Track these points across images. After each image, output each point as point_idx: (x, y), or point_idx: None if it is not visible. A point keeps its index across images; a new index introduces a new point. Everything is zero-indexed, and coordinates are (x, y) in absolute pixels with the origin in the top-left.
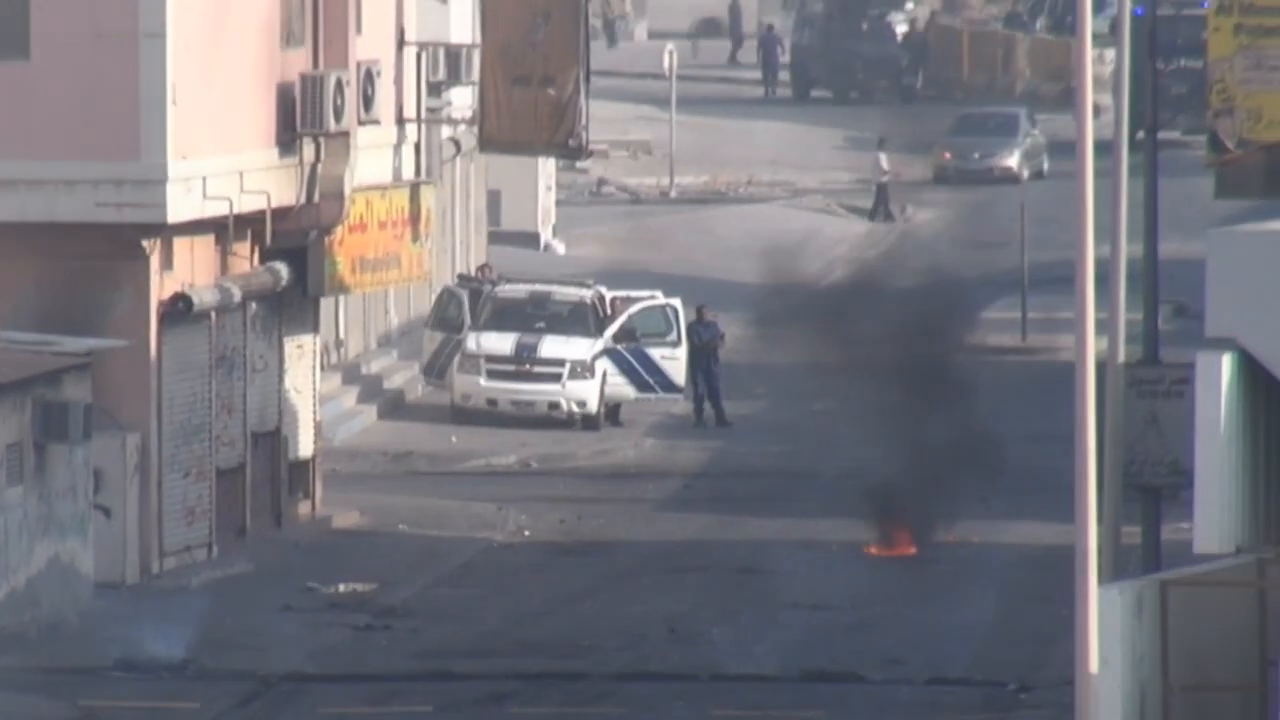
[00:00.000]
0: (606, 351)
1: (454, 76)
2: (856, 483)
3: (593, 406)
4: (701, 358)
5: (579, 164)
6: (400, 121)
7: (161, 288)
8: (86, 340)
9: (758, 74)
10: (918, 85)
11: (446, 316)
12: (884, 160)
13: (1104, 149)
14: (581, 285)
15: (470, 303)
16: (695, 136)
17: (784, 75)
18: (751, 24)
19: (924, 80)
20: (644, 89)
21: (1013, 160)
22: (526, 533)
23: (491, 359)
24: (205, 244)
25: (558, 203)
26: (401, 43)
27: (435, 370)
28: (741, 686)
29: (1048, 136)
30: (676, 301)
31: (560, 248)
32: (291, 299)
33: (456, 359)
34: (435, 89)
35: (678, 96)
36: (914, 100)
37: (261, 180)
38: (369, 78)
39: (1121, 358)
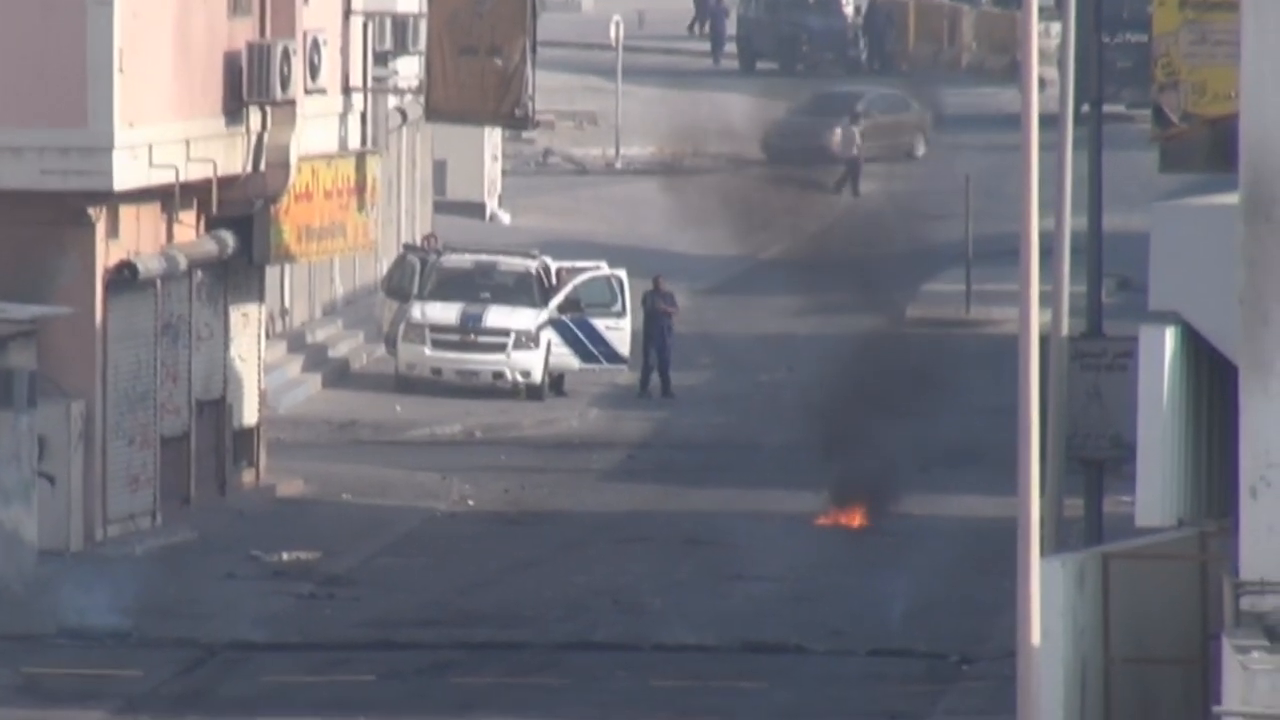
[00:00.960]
0: (551, 322)
1: (400, 46)
2: (804, 454)
3: (537, 377)
4: (655, 328)
5: (525, 134)
6: (346, 91)
7: (107, 255)
8: (31, 308)
9: (705, 45)
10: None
11: (401, 285)
12: (857, 134)
13: (1049, 122)
14: (527, 255)
15: (420, 272)
16: (641, 107)
17: (730, 47)
18: None
19: (868, 53)
20: (591, 59)
21: (835, 140)
22: (470, 502)
23: (436, 329)
24: (151, 212)
25: (503, 173)
26: (348, 12)
27: (394, 340)
28: (684, 657)
29: (936, 113)
30: (621, 272)
31: (506, 218)
32: (237, 267)
33: (401, 328)
34: (382, 58)
35: (624, 67)
36: (860, 73)
37: (208, 149)
38: (315, 47)
39: (1065, 331)
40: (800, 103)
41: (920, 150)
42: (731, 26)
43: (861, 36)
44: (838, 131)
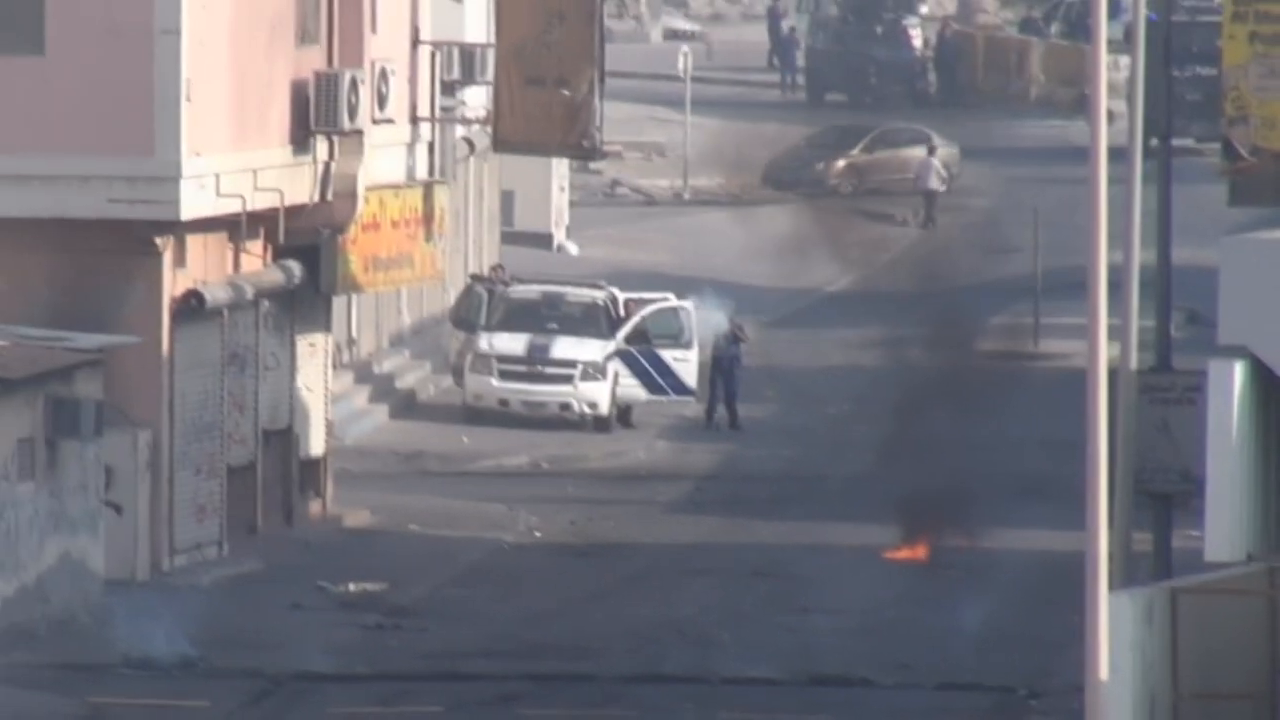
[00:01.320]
0: (618, 353)
1: (468, 76)
2: (875, 487)
3: (604, 408)
4: (724, 359)
5: (592, 165)
6: (414, 121)
7: (174, 284)
8: (99, 337)
9: (774, 77)
10: (932, 90)
11: (468, 316)
12: (939, 166)
13: (1118, 156)
14: (594, 286)
15: (488, 303)
16: (709, 139)
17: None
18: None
19: (938, 86)
20: (659, 90)
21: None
22: (537, 534)
23: (504, 359)
24: (218, 241)
25: (571, 204)
26: (416, 42)
27: (461, 370)
28: (750, 690)
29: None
30: (689, 303)
31: (573, 249)
32: (304, 297)
33: (469, 359)
34: (449, 88)
35: (692, 98)
36: (928, 105)
37: (275, 178)
38: (383, 76)
39: (1134, 364)
40: (811, 135)
41: (935, 184)
42: (800, 58)
43: (931, 70)
44: (916, 162)
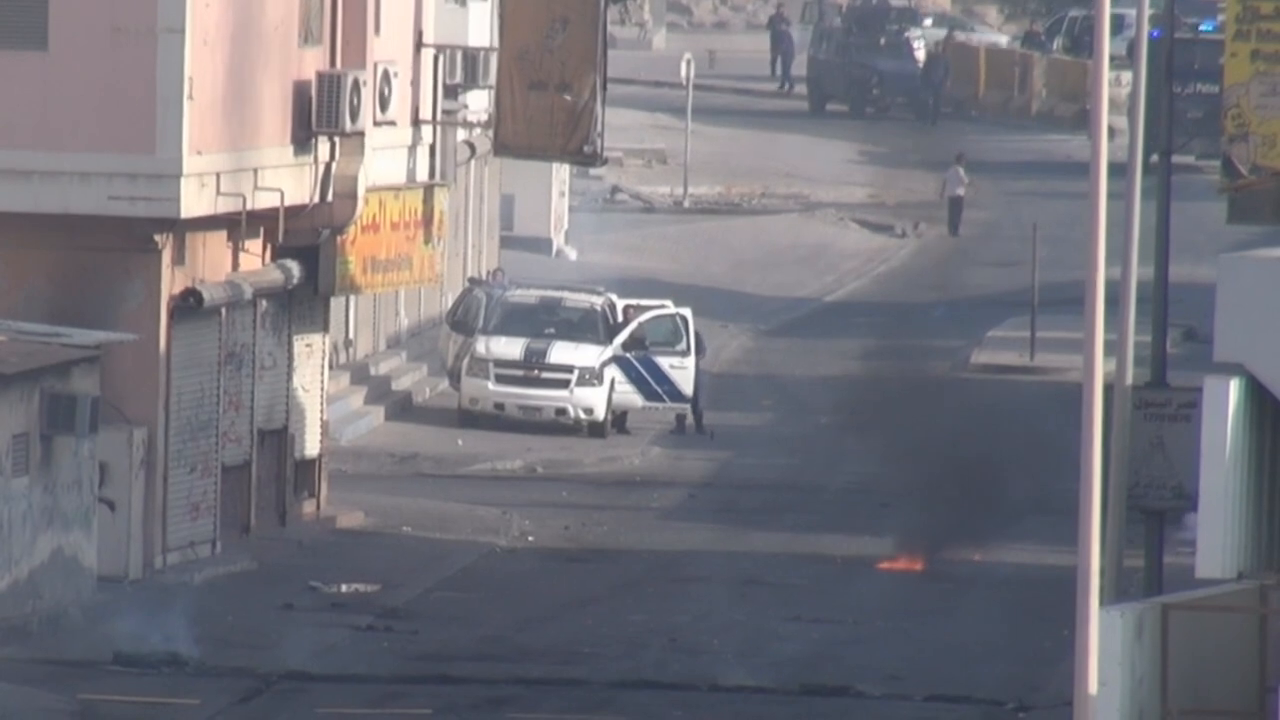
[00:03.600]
0: (615, 359)
1: (471, 80)
2: (866, 496)
3: (600, 413)
4: None
5: (593, 171)
6: (416, 123)
7: (173, 282)
8: (96, 333)
9: (775, 85)
10: (933, 104)
11: (466, 319)
12: (963, 174)
13: (1118, 171)
14: (592, 292)
15: (486, 306)
16: (710, 146)
17: (799, 85)
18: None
19: (939, 98)
20: (661, 97)
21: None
22: (530, 538)
23: (500, 363)
24: (217, 240)
25: (571, 209)
26: (419, 44)
27: (458, 373)
28: (740, 698)
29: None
30: (687, 311)
31: (572, 254)
32: (302, 297)
33: (465, 362)
34: (452, 91)
35: (694, 105)
36: (930, 117)
37: (275, 178)
38: (386, 78)
39: (1129, 380)
40: None
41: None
42: (802, 68)
43: (922, 89)
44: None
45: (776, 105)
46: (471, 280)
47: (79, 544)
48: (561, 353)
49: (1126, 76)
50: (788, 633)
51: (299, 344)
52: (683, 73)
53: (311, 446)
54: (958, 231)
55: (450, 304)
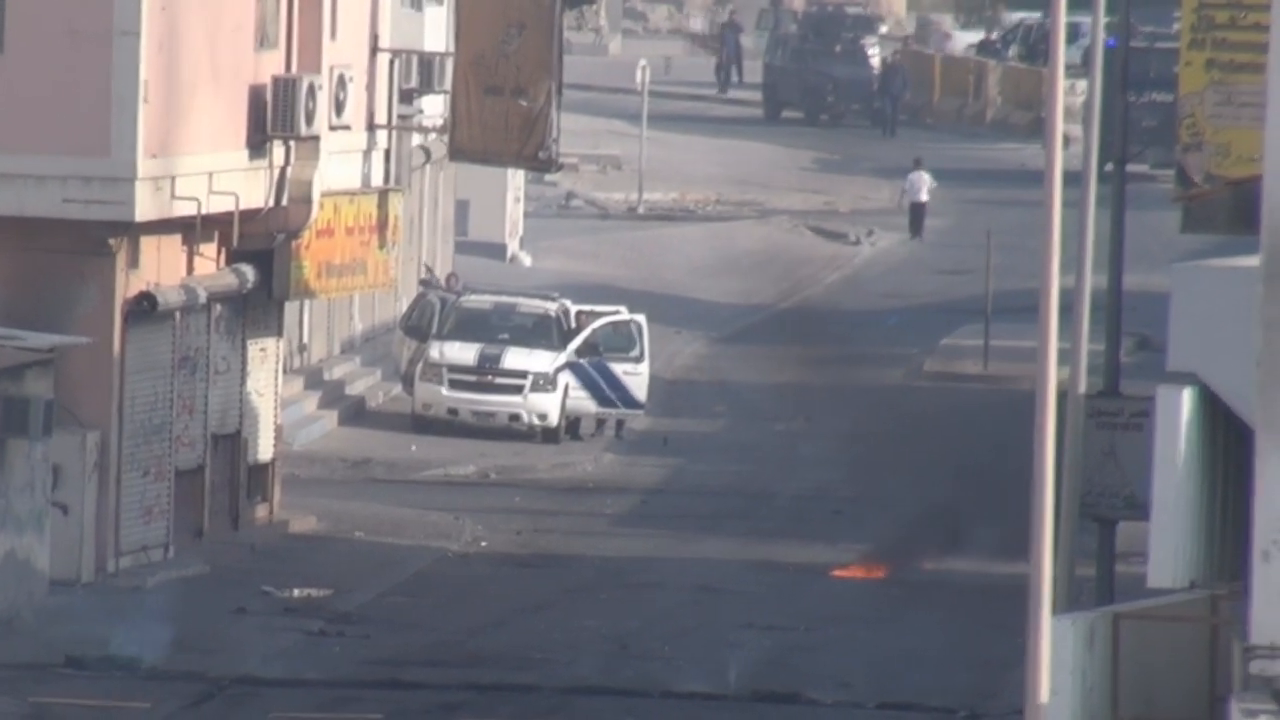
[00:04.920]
0: (569, 365)
1: (426, 84)
2: (819, 504)
3: (553, 419)
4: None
5: (548, 176)
6: (371, 128)
7: (127, 286)
8: (50, 336)
9: (736, 95)
10: (892, 114)
11: (420, 324)
12: (928, 178)
13: (1072, 180)
14: (547, 298)
15: (440, 312)
16: (665, 153)
17: (745, 89)
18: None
19: (898, 108)
20: (616, 103)
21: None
22: (483, 543)
23: (454, 369)
24: (172, 243)
25: (526, 214)
26: (375, 49)
27: (411, 378)
28: (692, 704)
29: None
30: (641, 317)
31: (527, 260)
32: (256, 302)
33: (419, 367)
34: (407, 96)
35: (649, 112)
36: (890, 127)
37: (230, 181)
38: (341, 83)
39: (1082, 389)
40: None
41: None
42: (757, 74)
43: (878, 97)
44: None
45: (732, 112)
46: (423, 283)
47: (32, 547)
48: (515, 358)
49: (1081, 85)
50: (739, 639)
51: (253, 348)
52: (638, 79)
53: (265, 451)
54: (921, 235)
55: (404, 309)
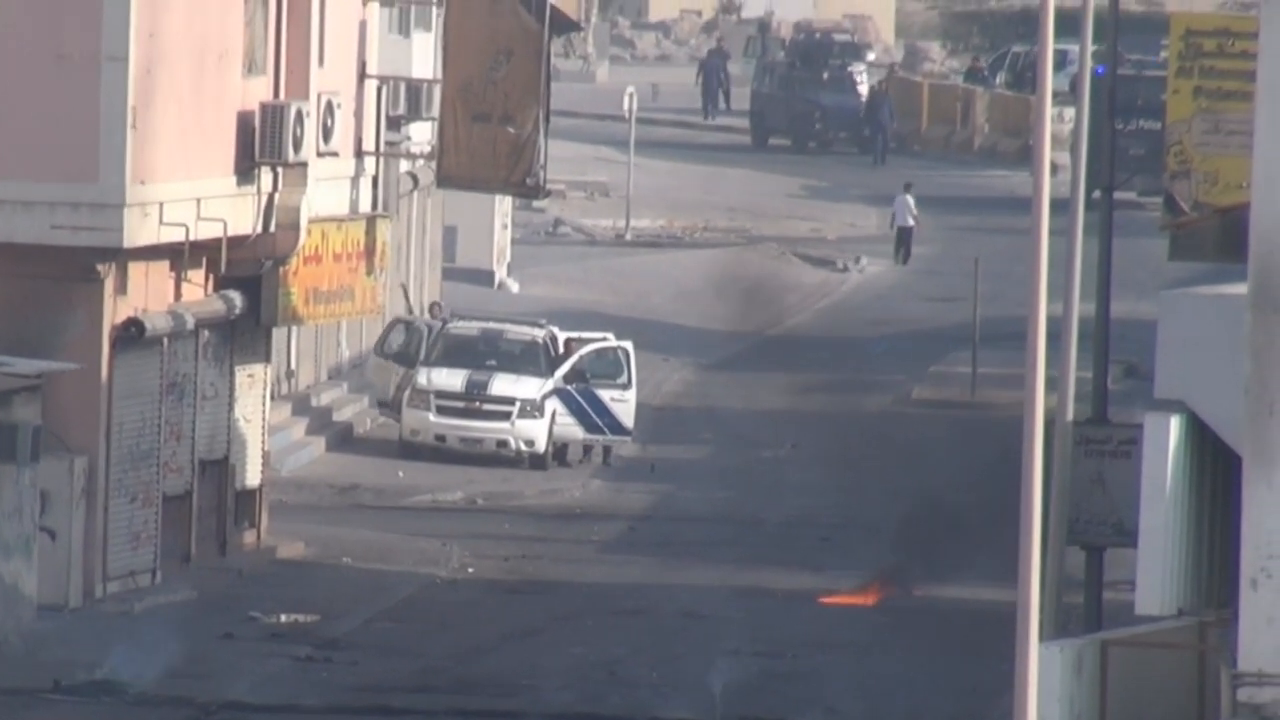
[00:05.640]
0: (557, 391)
1: (414, 111)
2: (806, 530)
3: (541, 446)
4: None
5: (536, 203)
6: (359, 154)
7: (115, 312)
8: (38, 362)
9: (722, 121)
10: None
11: (406, 350)
12: (912, 203)
13: (1060, 207)
14: (534, 324)
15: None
16: (653, 180)
17: (732, 116)
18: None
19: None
20: (604, 130)
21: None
22: (470, 570)
23: (442, 395)
24: (160, 269)
25: (513, 241)
26: (363, 75)
27: (388, 403)
28: None
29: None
30: (628, 344)
31: (514, 286)
32: (244, 328)
33: (406, 393)
34: (395, 123)
35: (637, 139)
36: (880, 155)
37: (218, 208)
38: (329, 109)
39: (1070, 416)
40: None
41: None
42: (745, 101)
43: (865, 125)
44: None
45: (719, 139)
46: (397, 319)
47: (19, 572)
48: (503, 385)
49: (1069, 112)
50: (726, 666)
51: (241, 374)
52: (625, 106)
53: (252, 477)
54: (907, 261)
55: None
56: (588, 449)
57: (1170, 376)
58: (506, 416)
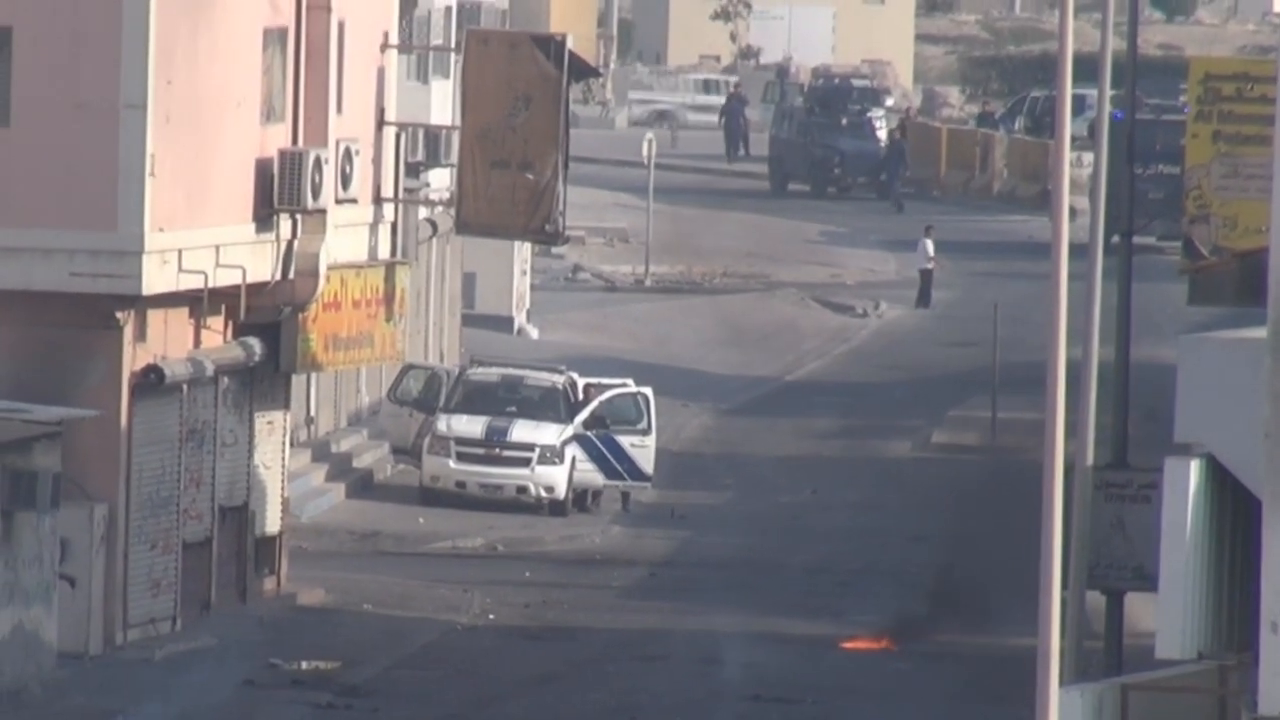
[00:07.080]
0: (576, 437)
1: (433, 157)
2: (827, 576)
3: (561, 492)
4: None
5: (555, 249)
6: (378, 201)
7: (134, 359)
8: (58, 409)
9: (741, 167)
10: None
11: (426, 397)
12: (930, 247)
13: (1079, 252)
14: (554, 371)
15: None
16: (672, 226)
17: (751, 161)
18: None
19: (901, 178)
20: (623, 176)
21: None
22: (491, 616)
23: (462, 441)
24: (179, 316)
25: (533, 287)
26: (381, 122)
27: (405, 449)
28: None
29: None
30: (648, 390)
31: (534, 332)
32: (263, 374)
33: (426, 440)
34: (414, 169)
35: (655, 185)
36: (897, 203)
37: (237, 255)
38: (348, 156)
39: (1090, 460)
40: None
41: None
42: (763, 147)
43: (883, 170)
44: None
45: (738, 185)
46: (410, 364)
47: (39, 619)
48: (523, 431)
49: (1088, 157)
50: (747, 712)
51: (260, 421)
52: (644, 152)
53: (272, 523)
54: (928, 305)
55: (406, 382)
56: (595, 495)
57: (1190, 420)
58: (526, 463)
